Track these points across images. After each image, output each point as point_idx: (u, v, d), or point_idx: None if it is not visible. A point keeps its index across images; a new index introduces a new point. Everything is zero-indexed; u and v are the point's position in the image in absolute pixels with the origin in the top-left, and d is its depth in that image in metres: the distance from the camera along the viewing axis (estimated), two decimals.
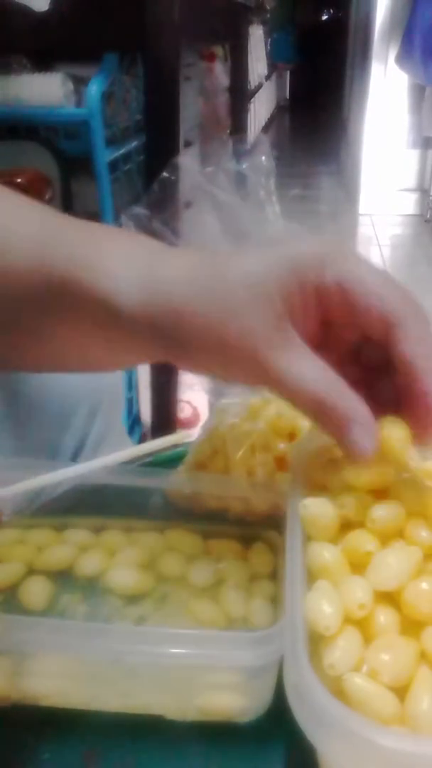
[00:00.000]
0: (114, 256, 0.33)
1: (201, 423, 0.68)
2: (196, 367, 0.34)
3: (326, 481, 0.37)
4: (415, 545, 0.32)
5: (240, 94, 1.73)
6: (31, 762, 0.35)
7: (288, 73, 7.16)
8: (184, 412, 1.31)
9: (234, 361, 0.32)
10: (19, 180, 0.85)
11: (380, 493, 0.35)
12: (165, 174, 0.49)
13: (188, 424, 1.31)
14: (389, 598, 0.32)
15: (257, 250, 0.34)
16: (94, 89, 1.00)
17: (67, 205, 1.07)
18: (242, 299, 0.31)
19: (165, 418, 1.21)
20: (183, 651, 0.32)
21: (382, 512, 0.33)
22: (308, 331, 0.33)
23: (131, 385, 1.29)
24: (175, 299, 0.31)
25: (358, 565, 0.33)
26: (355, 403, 0.32)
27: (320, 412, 0.31)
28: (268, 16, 4.44)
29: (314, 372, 0.31)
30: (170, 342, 0.32)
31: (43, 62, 1.08)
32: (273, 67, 5.59)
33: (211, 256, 0.34)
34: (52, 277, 0.33)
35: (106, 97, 1.04)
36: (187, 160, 0.49)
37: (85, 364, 0.38)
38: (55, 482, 0.43)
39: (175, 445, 0.43)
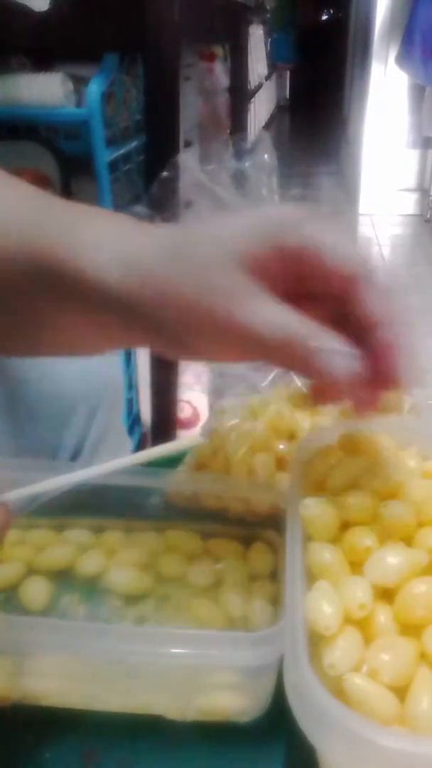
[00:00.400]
0: (94, 234, 0.33)
1: (201, 423, 0.68)
2: (177, 346, 0.34)
3: (326, 480, 0.37)
4: (422, 549, 0.32)
5: (240, 94, 1.73)
6: (31, 762, 0.35)
7: (288, 73, 7.16)
8: (184, 412, 1.31)
9: (206, 325, 0.32)
10: None
11: (383, 494, 0.35)
12: (165, 173, 0.49)
13: (188, 424, 1.31)
14: (389, 597, 0.32)
15: (230, 215, 0.34)
16: (94, 89, 0.99)
17: None
18: (208, 261, 0.32)
19: (165, 418, 1.21)
20: (183, 651, 0.32)
21: (398, 509, 0.33)
22: (280, 291, 0.33)
23: (131, 385, 1.29)
24: (147, 266, 0.32)
25: (358, 565, 0.33)
26: (329, 335, 0.32)
27: (292, 351, 0.31)
28: (268, 16, 4.44)
29: (281, 316, 0.32)
30: (150, 317, 0.32)
31: (43, 62, 1.08)
32: (273, 67, 5.59)
33: (188, 225, 0.34)
34: (35, 257, 0.33)
35: (106, 97, 1.03)
36: (188, 160, 0.49)
37: (76, 347, 0.38)
38: (56, 487, 0.43)
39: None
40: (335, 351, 0.31)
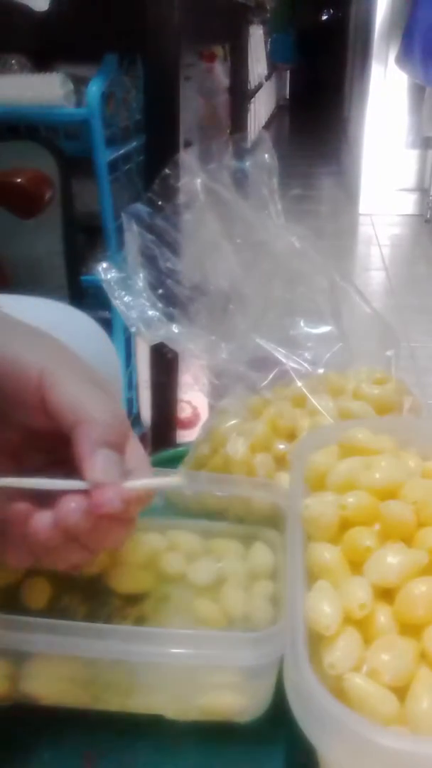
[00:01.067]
0: None
1: (201, 423, 0.68)
2: None
3: (326, 480, 0.37)
4: (422, 549, 0.32)
5: (240, 94, 1.73)
6: (31, 762, 0.35)
7: (288, 73, 7.16)
8: (184, 412, 1.31)
9: None
10: (19, 180, 0.85)
11: (383, 494, 0.35)
12: (166, 171, 0.49)
13: (188, 424, 1.31)
14: (389, 597, 0.32)
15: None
16: (94, 89, 1.00)
17: (67, 205, 1.07)
18: None
19: (165, 418, 1.21)
20: (183, 651, 0.32)
21: (398, 509, 0.33)
22: None
23: (131, 385, 1.29)
24: None
25: (358, 565, 0.33)
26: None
27: None
28: (268, 16, 4.44)
29: None
30: None
31: (43, 62, 1.08)
32: (273, 67, 5.59)
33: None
34: None
35: (106, 97, 1.04)
36: (188, 159, 0.49)
37: None
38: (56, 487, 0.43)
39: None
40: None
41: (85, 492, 0.32)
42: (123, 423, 0.34)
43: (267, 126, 5.34)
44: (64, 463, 0.35)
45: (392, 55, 3.09)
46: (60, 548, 0.33)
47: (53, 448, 0.36)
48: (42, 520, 0.32)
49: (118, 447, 0.33)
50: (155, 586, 0.41)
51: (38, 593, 0.40)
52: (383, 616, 0.31)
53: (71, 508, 0.31)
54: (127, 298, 0.51)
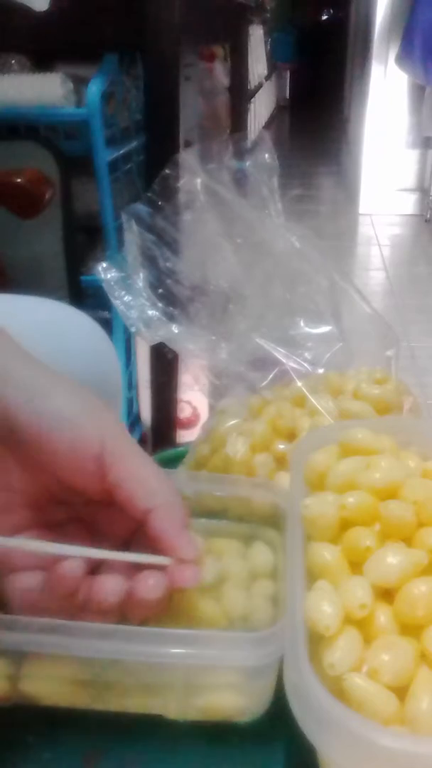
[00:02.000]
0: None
1: (201, 423, 0.68)
2: None
3: (326, 480, 0.37)
4: (422, 549, 0.32)
5: (240, 94, 1.73)
6: (31, 762, 0.35)
7: (288, 73, 7.16)
8: (184, 412, 1.31)
9: None
10: (19, 180, 0.85)
11: (383, 494, 0.35)
12: (166, 171, 0.49)
13: (188, 424, 1.31)
14: (389, 597, 0.32)
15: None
16: (94, 89, 1.00)
17: (67, 205, 1.07)
18: None
19: (165, 418, 1.21)
20: (183, 651, 0.32)
21: (398, 509, 0.33)
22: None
23: (131, 385, 1.29)
24: None
25: (358, 565, 0.33)
26: None
27: None
28: (268, 16, 4.44)
29: None
30: None
31: (43, 62, 1.08)
32: (273, 67, 5.59)
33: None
34: None
35: (106, 97, 1.03)
36: (188, 159, 0.49)
37: None
38: None
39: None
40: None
41: (157, 566, 0.34)
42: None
43: (267, 126, 5.35)
44: (83, 520, 0.37)
45: (392, 55, 3.10)
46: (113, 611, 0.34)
47: (77, 504, 0.37)
48: (111, 586, 0.33)
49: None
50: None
51: None
52: (383, 616, 0.31)
53: (151, 584, 0.33)
54: (127, 298, 0.51)
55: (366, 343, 0.55)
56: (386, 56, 3.20)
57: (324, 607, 0.30)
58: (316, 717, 0.27)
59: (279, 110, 6.67)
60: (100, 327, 0.70)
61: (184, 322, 0.51)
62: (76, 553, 0.33)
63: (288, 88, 7.34)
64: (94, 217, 1.11)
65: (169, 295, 0.52)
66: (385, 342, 0.55)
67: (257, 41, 3.94)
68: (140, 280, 0.51)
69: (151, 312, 0.50)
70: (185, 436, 1.27)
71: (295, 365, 0.51)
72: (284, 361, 0.51)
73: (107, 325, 1.11)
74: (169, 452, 0.60)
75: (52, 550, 0.33)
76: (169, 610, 0.35)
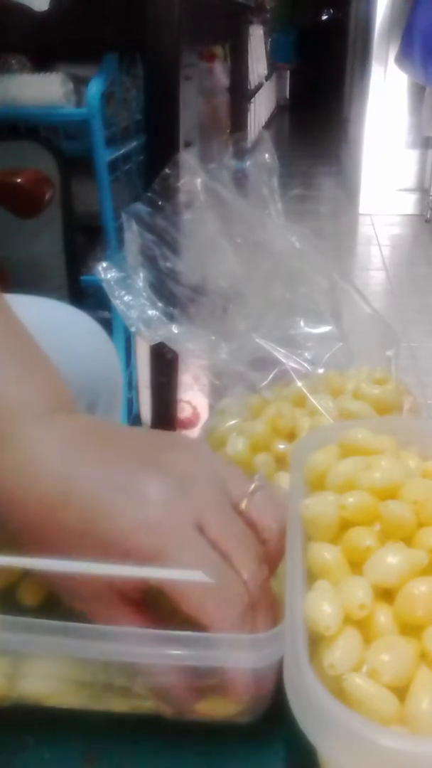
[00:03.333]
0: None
1: (201, 423, 0.68)
2: None
3: (326, 480, 0.37)
4: (422, 549, 0.32)
5: (240, 94, 1.73)
6: (31, 762, 0.35)
7: (288, 73, 7.16)
8: (184, 412, 1.31)
9: None
10: (19, 180, 0.85)
11: (383, 494, 0.35)
12: (166, 171, 0.49)
13: (188, 424, 1.31)
14: (389, 597, 0.32)
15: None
16: (94, 89, 1.00)
17: (67, 205, 1.07)
18: None
19: (165, 418, 1.21)
20: (183, 651, 0.32)
21: (398, 509, 0.33)
22: None
23: (131, 385, 1.29)
24: None
25: (358, 565, 0.33)
26: None
27: None
28: (268, 16, 4.44)
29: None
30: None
31: (43, 62, 1.08)
32: (273, 67, 5.60)
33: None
34: None
35: (106, 97, 1.04)
36: (188, 159, 0.49)
37: None
38: None
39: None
40: None
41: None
42: (241, 595, 0.34)
43: (267, 126, 5.35)
44: None
45: (392, 55, 3.10)
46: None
47: None
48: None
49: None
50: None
51: (33, 592, 0.40)
52: (383, 616, 0.31)
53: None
54: (127, 298, 0.51)
55: (366, 343, 0.55)
56: (386, 56, 3.20)
57: (324, 607, 0.30)
58: (316, 717, 0.27)
59: (279, 110, 6.67)
60: (100, 327, 0.70)
61: (184, 322, 0.51)
62: (89, 571, 0.33)
63: (288, 88, 7.34)
64: (94, 217, 1.12)
65: (169, 295, 0.52)
66: (385, 342, 0.55)
67: (257, 41, 3.94)
68: (140, 280, 0.51)
69: (151, 312, 0.50)
70: None
71: (295, 365, 0.51)
72: (284, 361, 0.51)
73: (107, 325, 1.11)
74: None
75: (59, 568, 0.33)
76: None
